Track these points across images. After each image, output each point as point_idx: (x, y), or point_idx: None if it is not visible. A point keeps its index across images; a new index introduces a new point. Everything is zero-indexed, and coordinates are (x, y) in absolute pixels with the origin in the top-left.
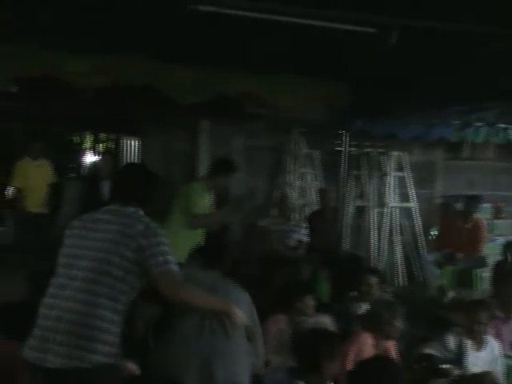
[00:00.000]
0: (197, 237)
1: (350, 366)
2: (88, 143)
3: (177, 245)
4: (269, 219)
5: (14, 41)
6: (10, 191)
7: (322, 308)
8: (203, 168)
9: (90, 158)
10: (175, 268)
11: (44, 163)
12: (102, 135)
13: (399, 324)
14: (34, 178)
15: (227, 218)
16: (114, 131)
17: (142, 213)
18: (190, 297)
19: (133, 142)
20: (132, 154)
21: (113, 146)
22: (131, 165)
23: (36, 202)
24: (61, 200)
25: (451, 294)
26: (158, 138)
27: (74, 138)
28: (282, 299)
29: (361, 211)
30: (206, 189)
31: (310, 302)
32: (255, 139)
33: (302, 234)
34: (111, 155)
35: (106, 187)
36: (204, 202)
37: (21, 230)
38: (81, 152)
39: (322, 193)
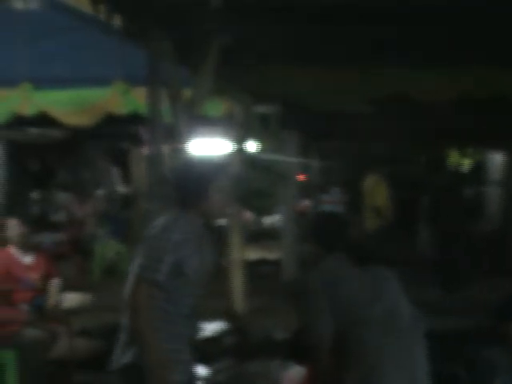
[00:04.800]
0: None
1: None
2: (455, 158)
3: None
4: None
5: (370, 64)
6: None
7: None
8: None
9: (455, 174)
10: None
11: None
12: (469, 150)
13: None
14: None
15: None
16: (480, 145)
17: None
18: None
19: (498, 157)
20: (497, 169)
21: (479, 160)
22: None
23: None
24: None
25: None
26: None
27: (442, 155)
28: None
29: None
30: None
31: None
32: None
33: None
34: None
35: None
36: None
37: None
38: (448, 167)
39: None
